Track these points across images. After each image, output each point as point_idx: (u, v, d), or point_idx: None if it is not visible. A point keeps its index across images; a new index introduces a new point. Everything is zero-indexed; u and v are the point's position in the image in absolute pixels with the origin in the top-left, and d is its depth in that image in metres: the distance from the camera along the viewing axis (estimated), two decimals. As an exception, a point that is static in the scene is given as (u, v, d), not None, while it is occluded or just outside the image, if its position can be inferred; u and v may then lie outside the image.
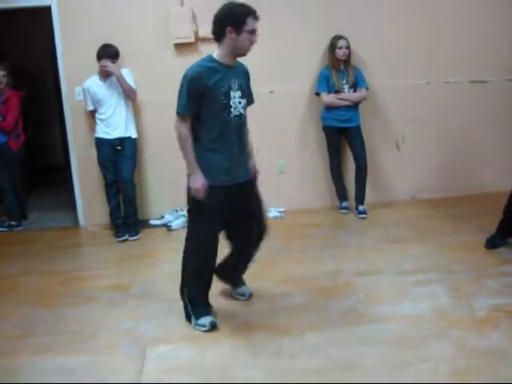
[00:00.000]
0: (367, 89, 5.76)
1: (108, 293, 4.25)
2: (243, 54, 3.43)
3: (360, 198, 5.82)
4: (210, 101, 3.34)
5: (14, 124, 5.95)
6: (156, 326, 3.68)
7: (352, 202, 5.94)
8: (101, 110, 5.50)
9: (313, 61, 5.86)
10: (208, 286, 3.68)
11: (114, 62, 5.41)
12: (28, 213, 6.47)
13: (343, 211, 5.89)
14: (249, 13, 3.31)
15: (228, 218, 3.56)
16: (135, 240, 5.49)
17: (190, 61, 5.59)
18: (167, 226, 5.70)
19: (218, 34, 3.36)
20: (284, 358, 3.20)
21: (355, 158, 5.79)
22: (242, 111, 3.48)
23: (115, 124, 5.48)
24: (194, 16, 5.70)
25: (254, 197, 3.66)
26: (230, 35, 3.31)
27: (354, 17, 5.84)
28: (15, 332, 3.72)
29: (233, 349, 3.33)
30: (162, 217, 5.87)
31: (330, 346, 3.28)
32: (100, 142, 5.54)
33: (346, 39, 5.62)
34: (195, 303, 3.63)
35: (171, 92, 5.70)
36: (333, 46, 5.65)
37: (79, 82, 5.63)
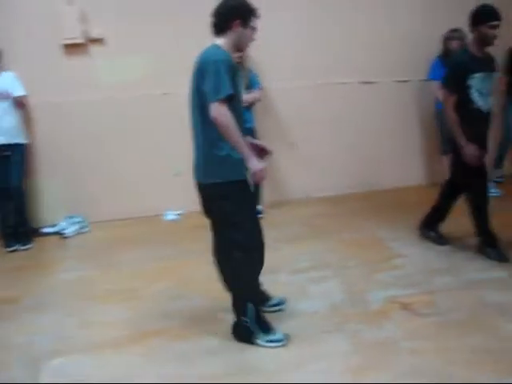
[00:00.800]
0: (261, 89, 5.81)
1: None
2: (242, 50, 3.40)
3: (256, 199, 5.85)
4: (235, 85, 3.16)
5: None
6: (52, 338, 3.54)
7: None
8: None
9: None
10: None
11: None
12: None
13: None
14: (254, 9, 3.28)
15: None
16: (27, 249, 5.27)
17: (81, 62, 5.62)
18: (61, 234, 5.52)
19: (223, 27, 3.23)
20: (181, 363, 3.18)
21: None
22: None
23: (1, 131, 5.23)
24: (83, 16, 5.55)
25: None
26: (237, 28, 3.22)
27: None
28: None
29: (130, 357, 3.27)
30: (55, 224, 5.67)
31: (228, 350, 3.28)
32: (-15, 149, 5.28)
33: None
34: (261, 316, 3.38)
35: (62, 94, 5.65)
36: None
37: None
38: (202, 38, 5.56)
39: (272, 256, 4.62)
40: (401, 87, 6.35)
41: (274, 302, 3.72)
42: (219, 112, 3.04)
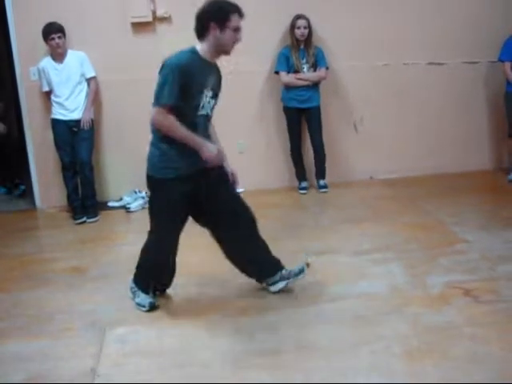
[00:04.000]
0: (327, 68, 5.78)
1: (66, 276, 4.22)
2: (226, 53, 3.37)
3: (320, 174, 5.91)
4: (184, 96, 3.21)
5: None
6: (115, 308, 3.66)
7: (311, 181, 6.00)
8: (56, 93, 5.42)
9: (273, 40, 5.85)
10: None
11: (61, 37, 5.31)
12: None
13: (302, 191, 5.93)
14: (233, 10, 3.25)
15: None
16: (93, 222, 5.44)
17: (147, 40, 5.71)
18: (126, 208, 5.67)
19: (201, 30, 3.27)
20: (240, 338, 3.23)
21: (312, 141, 5.86)
22: (209, 111, 3.41)
23: (72, 107, 5.41)
24: (151, -5, 5.63)
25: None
26: (214, 32, 3.23)
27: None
28: (-30, 317, 3.66)
29: (191, 330, 3.34)
30: (121, 199, 5.82)
31: (287, 326, 3.31)
32: (56, 124, 5.46)
33: (306, 19, 5.62)
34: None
35: (129, 71, 5.76)
36: (292, 26, 5.66)
37: (34, 61, 5.52)
38: (269, 14, 5.72)
39: (333, 237, 4.67)
40: (470, 68, 6.18)
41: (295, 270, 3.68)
42: (157, 118, 3.22)
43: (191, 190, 3.37)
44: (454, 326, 3.20)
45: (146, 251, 3.61)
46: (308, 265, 3.65)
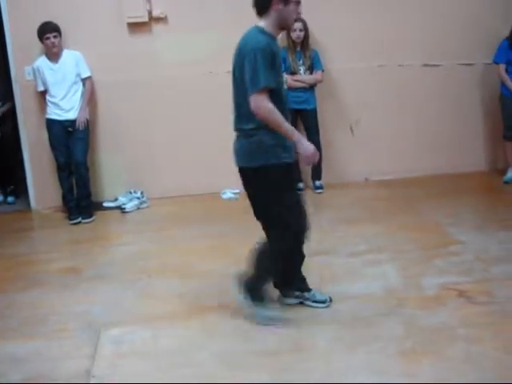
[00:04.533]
0: (323, 71, 5.79)
1: (60, 276, 4.21)
2: (288, 27, 3.36)
3: (316, 175, 5.92)
4: (275, 75, 3.16)
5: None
6: (110, 309, 3.66)
7: (307, 183, 6.00)
8: (52, 93, 5.41)
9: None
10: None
11: (57, 37, 5.32)
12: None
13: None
14: None
15: None
16: (89, 222, 5.43)
17: (143, 40, 5.71)
18: (121, 209, 5.66)
19: (263, 7, 3.19)
20: (237, 339, 3.23)
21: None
22: (285, 85, 3.42)
23: (67, 107, 5.41)
24: (147, -6, 5.63)
25: None
26: (277, 6, 3.15)
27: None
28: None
29: (187, 330, 3.34)
30: (116, 199, 5.81)
31: (284, 327, 3.31)
32: (51, 124, 5.46)
33: (302, 21, 5.61)
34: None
35: (125, 71, 5.75)
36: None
37: (29, 61, 5.52)
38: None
39: (329, 238, 4.67)
40: (465, 70, 6.18)
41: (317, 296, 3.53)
42: (258, 105, 3.08)
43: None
44: (448, 327, 3.21)
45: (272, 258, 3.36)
46: (331, 300, 3.51)
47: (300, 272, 3.55)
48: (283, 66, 5.65)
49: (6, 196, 6.22)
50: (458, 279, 3.78)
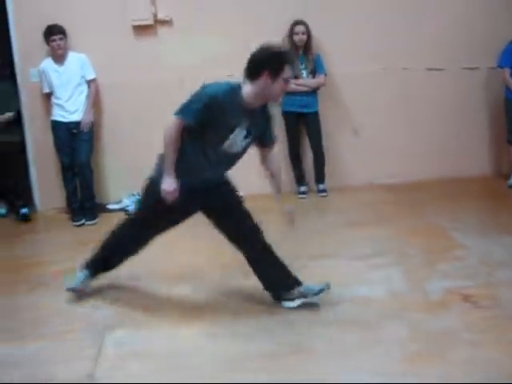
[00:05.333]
0: (325, 75, 5.80)
1: (63, 278, 4.20)
2: (274, 101, 3.38)
3: (320, 178, 5.93)
4: (212, 126, 3.20)
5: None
6: (113, 310, 3.65)
7: (310, 186, 6.01)
8: (57, 95, 5.43)
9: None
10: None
11: (62, 39, 5.34)
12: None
13: (301, 196, 5.93)
14: (288, 59, 3.21)
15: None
16: (92, 224, 5.43)
17: (148, 43, 5.72)
18: (125, 211, 5.66)
19: (253, 74, 3.18)
20: (238, 341, 3.22)
21: (311, 146, 5.89)
22: (239, 150, 3.35)
23: (72, 109, 5.43)
24: (152, -3, 5.64)
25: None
26: (265, 79, 3.14)
27: (315, 2, 5.85)
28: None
29: (189, 333, 3.33)
30: (120, 201, 5.82)
31: (286, 329, 3.31)
32: (56, 125, 5.48)
33: (304, 25, 5.63)
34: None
35: (130, 74, 5.76)
36: (291, 32, 5.67)
37: (34, 62, 5.53)
38: (268, 20, 5.74)
39: (332, 241, 4.66)
40: (469, 74, 6.19)
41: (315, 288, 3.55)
42: (170, 125, 3.27)
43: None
44: (452, 332, 3.20)
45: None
46: (329, 286, 3.52)
47: (284, 269, 3.56)
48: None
49: (18, 209, 5.68)
50: (462, 283, 3.77)
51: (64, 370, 3.03)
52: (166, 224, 3.55)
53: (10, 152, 5.56)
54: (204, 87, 3.21)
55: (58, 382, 2.93)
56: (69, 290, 3.76)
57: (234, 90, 3.22)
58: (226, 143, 3.27)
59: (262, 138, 3.45)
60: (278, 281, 3.57)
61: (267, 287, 3.59)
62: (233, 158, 3.43)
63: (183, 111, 3.22)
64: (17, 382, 2.95)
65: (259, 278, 3.58)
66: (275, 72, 3.13)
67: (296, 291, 3.52)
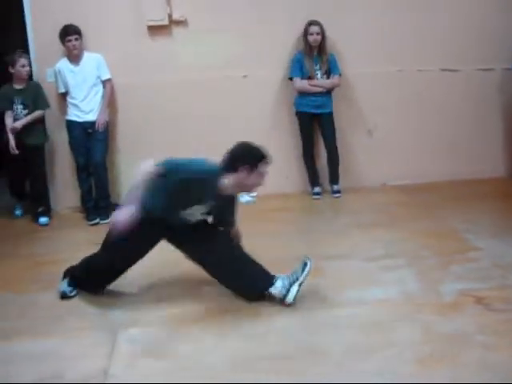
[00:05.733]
0: (340, 75, 5.79)
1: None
2: (248, 192, 3.63)
3: (334, 179, 5.92)
4: (178, 194, 3.39)
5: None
6: (127, 309, 3.67)
7: (324, 187, 6.01)
8: (72, 94, 5.47)
9: (287, 45, 5.87)
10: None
11: (78, 39, 5.39)
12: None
13: (315, 197, 5.93)
14: (262, 158, 3.43)
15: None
16: (107, 223, 5.44)
17: (163, 43, 5.75)
18: (139, 210, 5.68)
19: (230, 168, 3.41)
20: (252, 342, 3.23)
21: (326, 146, 5.89)
22: (198, 219, 3.60)
23: (87, 109, 5.47)
24: (168, -3, 5.67)
25: None
26: (241, 173, 3.39)
27: (330, 2, 5.85)
28: (-18, 317, 3.68)
29: (202, 333, 3.35)
30: (134, 200, 5.84)
31: (298, 331, 3.32)
32: (71, 125, 5.51)
33: (319, 25, 5.63)
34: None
35: (145, 74, 5.79)
36: (305, 32, 5.67)
37: (50, 62, 5.58)
38: (283, 20, 5.75)
39: (345, 242, 4.66)
40: (484, 75, 6.16)
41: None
42: (145, 165, 3.53)
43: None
44: (465, 334, 3.19)
45: None
46: (307, 258, 3.59)
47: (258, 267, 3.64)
48: (300, 70, 5.69)
49: (37, 217, 5.60)
50: (475, 286, 3.76)
51: (77, 367, 3.05)
52: (132, 254, 3.71)
53: (34, 156, 5.55)
54: (180, 174, 3.39)
55: (70, 379, 2.96)
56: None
57: (212, 175, 3.42)
58: (187, 211, 3.50)
59: (221, 220, 3.73)
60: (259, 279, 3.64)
61: (252, 291, 3.65)
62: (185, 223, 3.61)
63: (150, 203, 3.43)
64: (31, 378, 2.98)
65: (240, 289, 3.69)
66: (251, 167, 3.39)
67: (286, 283, 3.54)
